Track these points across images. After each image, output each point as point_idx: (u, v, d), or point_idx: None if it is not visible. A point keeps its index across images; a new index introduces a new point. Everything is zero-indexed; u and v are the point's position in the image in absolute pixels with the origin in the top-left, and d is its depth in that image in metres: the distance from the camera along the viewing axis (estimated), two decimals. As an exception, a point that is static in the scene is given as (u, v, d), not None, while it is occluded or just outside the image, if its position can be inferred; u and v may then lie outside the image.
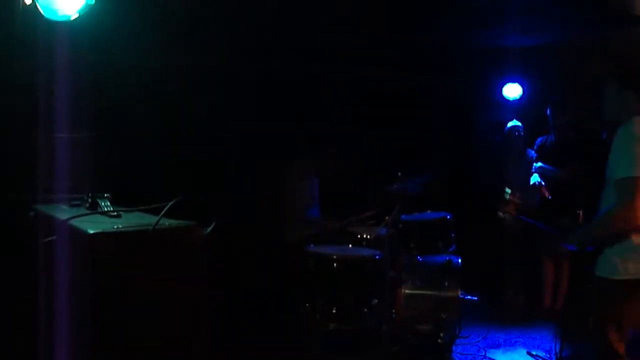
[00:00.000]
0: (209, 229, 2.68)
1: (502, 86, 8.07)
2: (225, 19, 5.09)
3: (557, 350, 5.41)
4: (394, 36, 6.57)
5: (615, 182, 3.52)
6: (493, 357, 5.52)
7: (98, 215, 2.37)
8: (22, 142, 4.16)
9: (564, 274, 6.56)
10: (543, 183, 6.55)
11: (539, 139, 6.84)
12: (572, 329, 6.00)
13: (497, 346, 5.83)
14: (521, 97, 8.04)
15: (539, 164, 6.65)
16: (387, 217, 5.32)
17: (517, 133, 7.06)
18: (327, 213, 6.21)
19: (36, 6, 3.83)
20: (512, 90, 8.05)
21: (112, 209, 2.42)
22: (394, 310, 5.33)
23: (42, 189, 3.46)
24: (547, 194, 6.54)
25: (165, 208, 2.16)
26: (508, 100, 8.09)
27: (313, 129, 6.44)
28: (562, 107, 6.61)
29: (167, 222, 2.13)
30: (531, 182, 6.61)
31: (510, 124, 7.20)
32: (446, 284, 5.41)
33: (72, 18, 3.95)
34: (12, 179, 4.07)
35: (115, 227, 2.08)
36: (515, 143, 7.06)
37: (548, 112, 6.65)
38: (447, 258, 5.59)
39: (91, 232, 2.00)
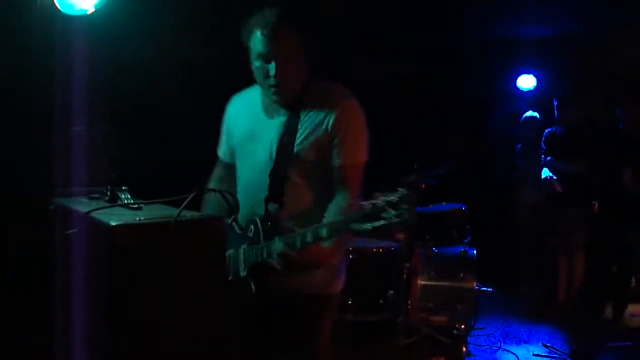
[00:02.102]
0: (230, 220, 2.70)
1: (517, 77, 8.06)
2: (244, 13, 5.08)
3: (571, 343, 5.42)
4: (409, 29, 6.56)
5: (350, 166, 2.72)
6: (508, 349, 5.52)
7: (119, 208, 2.38)
8: (39, 136, 4.19)
9: (578, 269, 6.54)
10: (555, 177, 6.50)
11: (546, 131, 6.78)
12: (586, 322, 6.00)
13: (513, 338, 5.83)
14: (535, 88, 8.02)
15: (549, 158, 6.59)
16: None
17: (534, 124, 7.06)
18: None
19: (53, 1, 3.87)
20: (527, 81, 8.04)
21: (132, 201, 2.44)
22: (409, 302, 5.34)
23: (61, 182, 3.49)
24: (558, 188, 6.49)
25: (187, 200, 2.17)
26: (522, 92, 8.07)
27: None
28: (570, 102, 6.55)
29: (188, 214, 2.14)
30: (542, 176, 6.56)
31: (527, 114, 7.19)
32: (462, 275, 5.42)
33: (89, 12, 3.98)
34: (30, 173, 4.10)
35: (137, 219, 2.09)
36: (530, 134, 7.05)
37: (555, 104, 6.60)
38: (463, 249, 5.60)
39: (113, 224, 2.01)
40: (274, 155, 2.74)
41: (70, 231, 2.42)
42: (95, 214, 2.23)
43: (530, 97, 7.97)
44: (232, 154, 3.03)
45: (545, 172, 6.52)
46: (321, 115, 2.70)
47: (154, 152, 5.24)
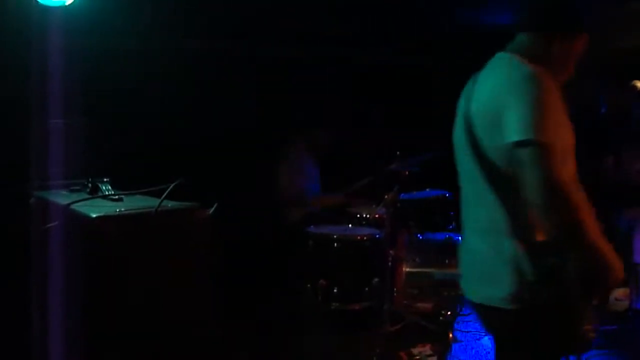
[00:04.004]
0: (212, 210, 2.68)
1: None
2: (218, 3, 5.06)
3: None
4: (391, 17, 6.54)
5: None
6: (494, 334, 5.53)
7: (99, 199, 2.36)
8: (16, 129, 4.14)
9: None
10: None
11: None
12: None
13: (499, 323, 5.84)
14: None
15: None
16: (386, 196, 5.32)
17: None
18: (328, 191, 6.24)
19: (31, -9, 3.82)
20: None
21: (113, 192, 2.42)
22: (395, 289, 5.34)
23: (39, 175, 3.45)
24: None
25: (167, 190, 2.15)
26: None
27: (308, 111, 6.45)
28: None
29: (169, 204, 2.13)
30: None
31: None
32: (447, 261, 5.41)
33: (67, 3, 3.94)
34: (8, 166, 4.06)
35: (118, 210, 2.07)
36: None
37: None
38: (447, 235, 5.60)
39: (94, 215, 1.99)
40: None
41: (51, 224, 2.39)
42: (75, 206, 2.21)
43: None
44: None
45: None
46: None
47: (134, 143, 5.21)
